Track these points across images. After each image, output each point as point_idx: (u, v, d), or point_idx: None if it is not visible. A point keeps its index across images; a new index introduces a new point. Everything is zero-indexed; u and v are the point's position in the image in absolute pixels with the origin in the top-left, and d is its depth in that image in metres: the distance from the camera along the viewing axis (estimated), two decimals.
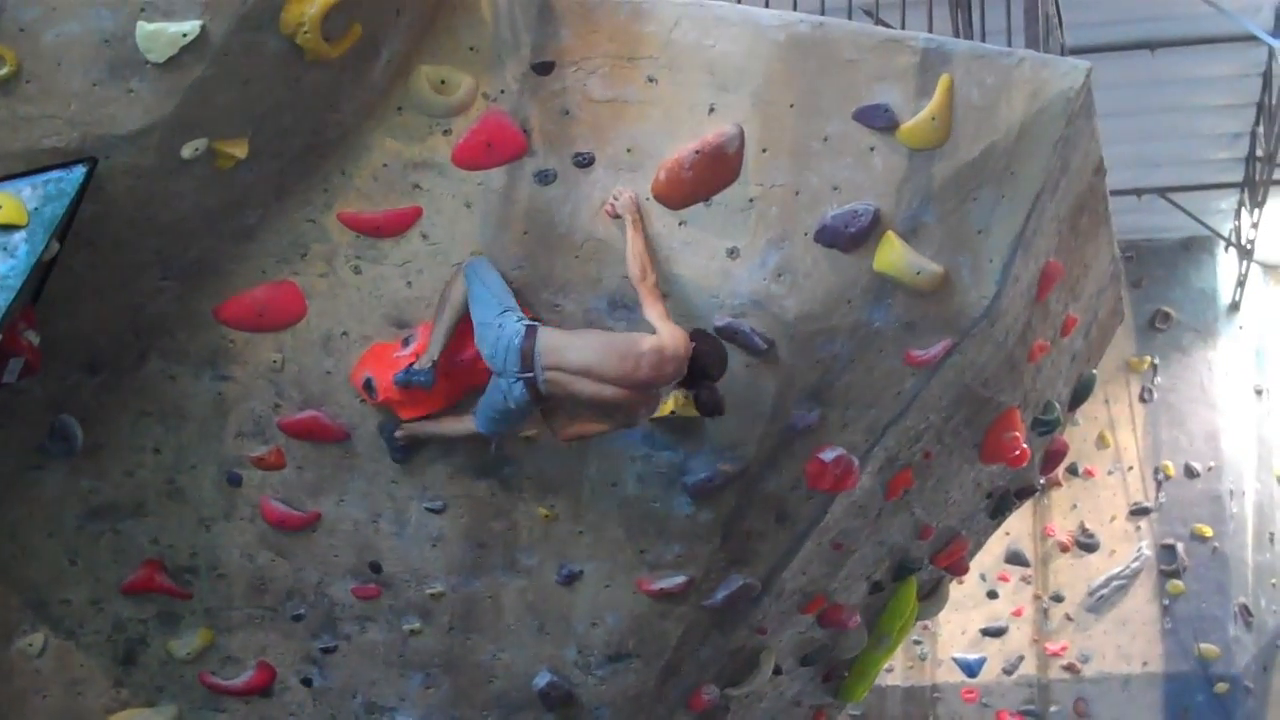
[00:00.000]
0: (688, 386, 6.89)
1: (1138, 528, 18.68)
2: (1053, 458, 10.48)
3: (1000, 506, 10.15)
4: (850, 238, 6.80)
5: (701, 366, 6.78)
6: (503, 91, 6.71)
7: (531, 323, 6.71)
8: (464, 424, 7.13)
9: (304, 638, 8.18)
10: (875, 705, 18.03)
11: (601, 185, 6.83)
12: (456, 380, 7.02)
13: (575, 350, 6.69)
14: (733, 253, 6.86)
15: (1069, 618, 18.76)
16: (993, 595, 18.76)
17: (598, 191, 6.84)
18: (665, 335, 6.63)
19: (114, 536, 7.73)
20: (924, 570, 10.11)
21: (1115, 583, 18.58)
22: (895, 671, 18.40)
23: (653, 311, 6.67)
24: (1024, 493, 10.39)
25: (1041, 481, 11.50)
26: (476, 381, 6.98)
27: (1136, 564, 18.57)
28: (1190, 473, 18.55)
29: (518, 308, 6.78)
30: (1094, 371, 10.42)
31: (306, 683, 8.32)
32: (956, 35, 8.97)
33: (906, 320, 7.17)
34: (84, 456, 7.38)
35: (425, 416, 7.24)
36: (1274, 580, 19.02)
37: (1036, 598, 18.88)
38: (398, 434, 7.38)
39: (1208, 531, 18.38)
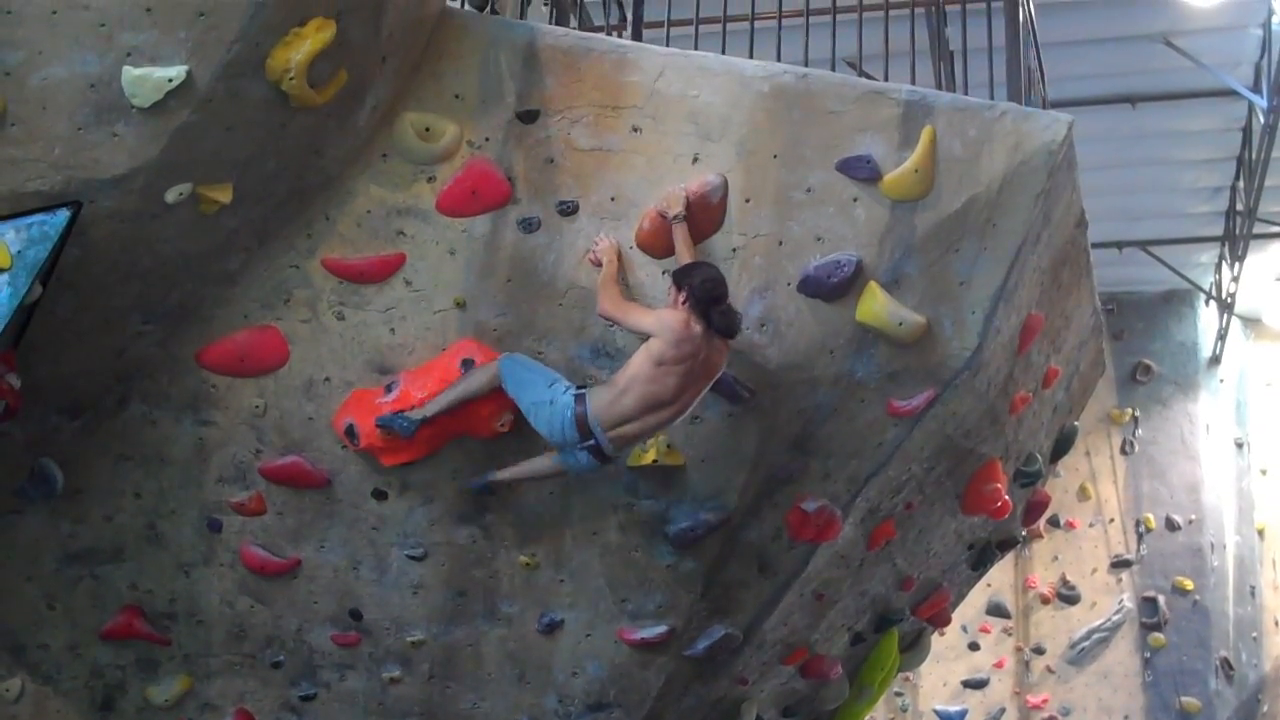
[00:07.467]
0: (706, 321, 6.50)
1: (1119, 580, 18.71)
2: (1034, 509, 10.47)
3: (982, 558, 10.14)
4: (833, 288, 6.81)
5: (706, 295, 6.49)
6: (487, 139, 6.73)
7: (580, 390, 6.63)
8: (545, 462, 7.03)
9: (283, 685, 8.12)
10: None
11: (585, 234, 6.84)
12: (441, 427, 6.99)
13: (628, 396, 6.57)
14: None
15: (1050, 670, 18.76)
16: (974, 647, 18.76)
17: (581, 240, 6.85)
18: (653, 322, 6.49)
19: (93, 581, 7.69)
20: (906, 622, 10.09)
21: (1096, 635, 18.58)
22: None
23: (631, 319, 6.60)
24: (1006, 544, 10.38)
25: (1023, 533, 11.49)
26: (458, 429, 6.99)
27: (1118, 616, 18.58)
28: (1171, 525, 18.59)
29: (563, 378, 6.72)
30: (1075, 423, 10.43)
31: None
32: (939, 88, 9.03)
33: (889, 371, 7.18)
34: (63, 500, 7.35)
35: (408, 464, 7.21)
36: (1255, 634, 19.03)
37: (1018, 649, 18.87)
38: (491, 479, 7.24)
39: (1189, 584, 18.40)
